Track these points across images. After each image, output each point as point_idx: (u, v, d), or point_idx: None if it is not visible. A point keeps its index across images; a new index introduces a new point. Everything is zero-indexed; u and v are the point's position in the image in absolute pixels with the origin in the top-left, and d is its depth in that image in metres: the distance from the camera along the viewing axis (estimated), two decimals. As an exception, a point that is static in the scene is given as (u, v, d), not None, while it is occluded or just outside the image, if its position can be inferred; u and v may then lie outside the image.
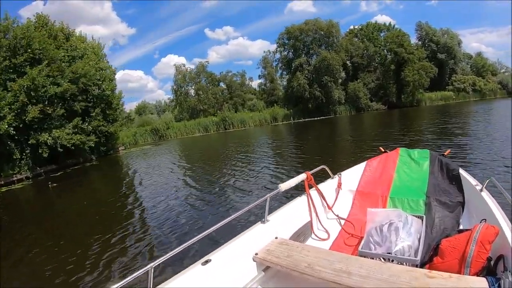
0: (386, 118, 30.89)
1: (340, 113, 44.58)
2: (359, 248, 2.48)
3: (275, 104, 48.70)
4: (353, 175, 3.72)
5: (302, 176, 3.09)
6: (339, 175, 3.68)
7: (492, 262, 1.99)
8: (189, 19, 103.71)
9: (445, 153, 3.79)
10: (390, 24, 51.53)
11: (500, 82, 57.30)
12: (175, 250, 1.91)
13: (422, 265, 2.24)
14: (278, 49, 49.40)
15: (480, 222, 2.14)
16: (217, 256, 2.12)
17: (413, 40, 53.11)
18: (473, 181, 3.15)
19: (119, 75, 67.10)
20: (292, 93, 45.11)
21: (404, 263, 2.24)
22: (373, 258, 2.31)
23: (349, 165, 3.99)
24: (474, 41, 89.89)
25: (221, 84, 54.79)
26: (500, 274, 1.86)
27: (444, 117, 22.80)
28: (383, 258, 2.33)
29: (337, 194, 3.52)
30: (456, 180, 3.21)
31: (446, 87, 51.40)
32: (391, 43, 46.85)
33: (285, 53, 48.85)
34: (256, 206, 2.64)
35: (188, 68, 51.96)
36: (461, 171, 3.35)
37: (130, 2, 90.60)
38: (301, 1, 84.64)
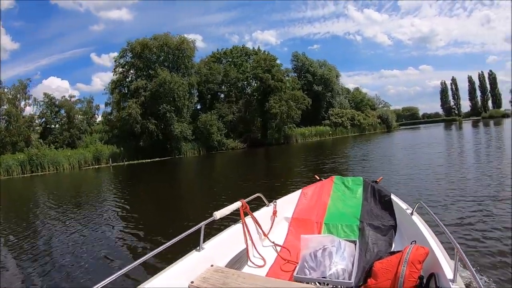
0: (231, 163, 24.59)
1: (185, 152, 33.80)
2: (294, 274, 2.50)
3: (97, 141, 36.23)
4: (288, 203, 3.78)
5: (237, 204, 3.08)
6: (275, 203, 3.67)
7: (424, 280, 2.12)
8: (75, 42, 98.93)
9: (378, 180, 4.01)
10: (259, 48, 44.44)
11: (379, 116, 55.32)
12: (104, 281, 1.79)
13: (357, 287, 2.32)
14: (116, 69, 37.61)
15: (411, 244, 2.32)
16: (152, 284, 2.08)
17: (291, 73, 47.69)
18: (404, 205, 3.37)
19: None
20: (124, 126, 33.29)
21: (339, 286, 2.34)
22: (308, 283, 2.37)
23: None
24: (351, 83, 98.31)
25: (61, 111, 41.00)
26: None
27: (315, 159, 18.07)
28: (318, 282, 2.38)
29: (273, 222, 3.51)
30: (388, 205, 3.45)
31: (322, 121, 45.58)
32: (257, 68, 39.05)
33: (122, 74, 37.20)
34: (191, 234, 2.52)
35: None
36: (393, 196, 3.57)
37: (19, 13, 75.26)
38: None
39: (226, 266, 2.61)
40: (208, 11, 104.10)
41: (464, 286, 1.94)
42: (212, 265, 2.47)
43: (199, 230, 2.63)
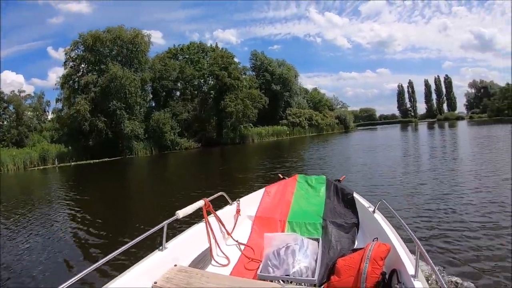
0: (185, 163, 24.08)
1: (137, 152, 33.06)
2: (258, 272, 2.51)
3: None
4: (251, 201, 3.77)
5: (200, 203, 3.06)
6: (238, 202, 3.66)
7: (386, 276, 2.17)
8: (33, 34, 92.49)
9: (341, 179, 4.11)
10: (217, 45, 44.13)
11: (337, 117, 57.01)
12: (66, 283, 1.74)
13: (320, 284, 2.36)
14: (67, 63, 35.90)
15: (373, 241, 2.32)
16: (115, 285, 2.02)
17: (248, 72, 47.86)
18: (366, 203, 3.48)
19: None
20: (72, 123, 31.96)
21: (303, 284, 2.37)
22: (272, 281, 2.36)
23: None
24: (310, 84, 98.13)
25: (10, 107, 38.74)
26: (395, 286, 2.08)
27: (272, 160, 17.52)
28: (282, 280, 2.39)
29: (236, 220, 3.51)
30: (351, 203, 3.48)
31: (280, 121, 46.23)
32: (213, 65, 38.78)
33: (73, 69, 35.60)
34: (153, 233, 2.46)
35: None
36: (355, 194, 3.63)
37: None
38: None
39: (189, 266, 2.58)
40: (171, 8, 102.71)
41: (425, 281, 1.99)
42: (175, 265, 2.41)
43: (161, 229, 2.57)
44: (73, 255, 5.44)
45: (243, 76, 42.33)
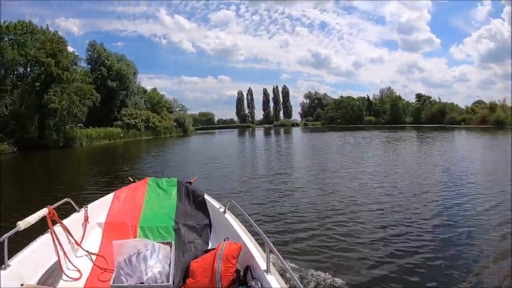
0: None
1: None
2: (111, 283, 2.36)
3: None
4: (100, 207, 3.60)
5: (43, 211, 2.77)
6: (86, 208, 3.43)
7: (241, 273, 2.34)
8: None
9: (192, 181, 4.11)
10: (48, 27, 36.37)
11: (176, 119, 57.54)
12: None
13: None
14: None
15: (224, 240, 2.47)
16: None
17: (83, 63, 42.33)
18: (217, 204, 3.59)
19: None
20: None
21: None
22: None
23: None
24: (151, 85, 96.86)
25: None
26: (250, 282, 2.22)
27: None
28: None
29: (85, 228, 3.29)
30: (202, 205, 3.60)
31: (114, 122, 43.28)
32: (40, 50, 31.74)
33: None
34: None
35: None
36: (206, 196, 3.73)
37: None
38: None
39: (38, 284, 2.39)
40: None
41: (277, 274, 2.14)
42: (22, 284, 2.19)
43: (1, 244, 2.29)
44: None
45: (75, 67, 36.85)
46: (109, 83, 43.26)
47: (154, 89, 59.20)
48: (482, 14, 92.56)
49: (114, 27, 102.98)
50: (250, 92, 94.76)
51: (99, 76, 42.30)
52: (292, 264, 3.92)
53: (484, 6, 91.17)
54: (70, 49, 37.23)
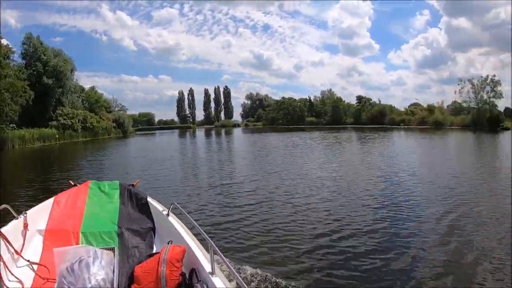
0: None
1: None
2: None
3: None
4: (41, 213, 3.37)
5: None
6: (25, 215, 3.16)
7: (187, 277, 2.32)
8: None
9: (134, 184, 3.95)
10: None
11: (115, 120, 55.40)
12: None
13: None
14: None
15: (168, 244, 2.50)
16: None
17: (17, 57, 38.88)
18: (160, 207, 3.51)
19: None
20: None
21: None
22: None
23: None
24: (89, 83, 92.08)
25: None
26: (195, 285, 2.22)
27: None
28: None
29: (25, 237, 3.04)
30: (145, 208, 3.47)
31: (49, 122, 40.55)
32: None
33: None
34: None
35: None
36: (149, 199, 3.61)
37: None
38: None
39: None
40: None
41: (223, 276, 2.17)
42: None
43: None
44: None
45: (7, 61, 33.91)
46: (45, 80, 40.29)
47: (93, 88, 56.19)
48: (420, 23, 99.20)
49: (54, 21, 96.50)
50: (191, 92, 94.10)
51: (34, 72, 39.13)
52: (237, 265, 4.02)
53: (423, 16, 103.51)
54: (4, 41, 34.27)
